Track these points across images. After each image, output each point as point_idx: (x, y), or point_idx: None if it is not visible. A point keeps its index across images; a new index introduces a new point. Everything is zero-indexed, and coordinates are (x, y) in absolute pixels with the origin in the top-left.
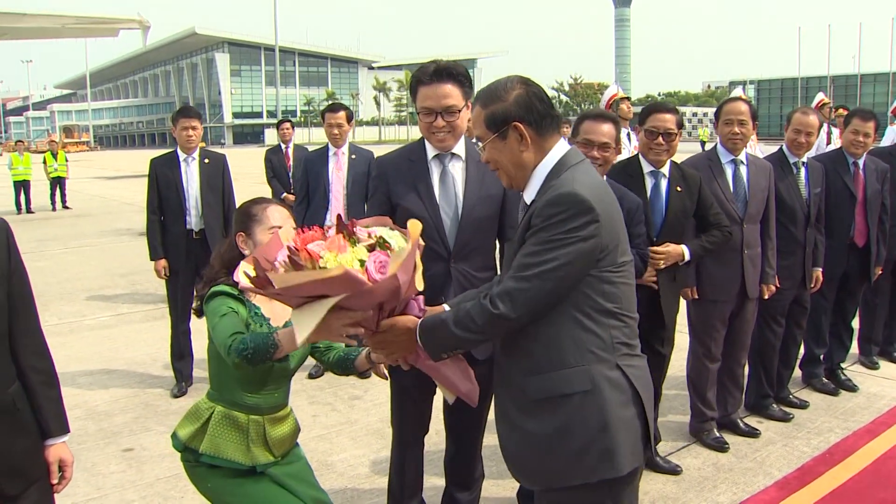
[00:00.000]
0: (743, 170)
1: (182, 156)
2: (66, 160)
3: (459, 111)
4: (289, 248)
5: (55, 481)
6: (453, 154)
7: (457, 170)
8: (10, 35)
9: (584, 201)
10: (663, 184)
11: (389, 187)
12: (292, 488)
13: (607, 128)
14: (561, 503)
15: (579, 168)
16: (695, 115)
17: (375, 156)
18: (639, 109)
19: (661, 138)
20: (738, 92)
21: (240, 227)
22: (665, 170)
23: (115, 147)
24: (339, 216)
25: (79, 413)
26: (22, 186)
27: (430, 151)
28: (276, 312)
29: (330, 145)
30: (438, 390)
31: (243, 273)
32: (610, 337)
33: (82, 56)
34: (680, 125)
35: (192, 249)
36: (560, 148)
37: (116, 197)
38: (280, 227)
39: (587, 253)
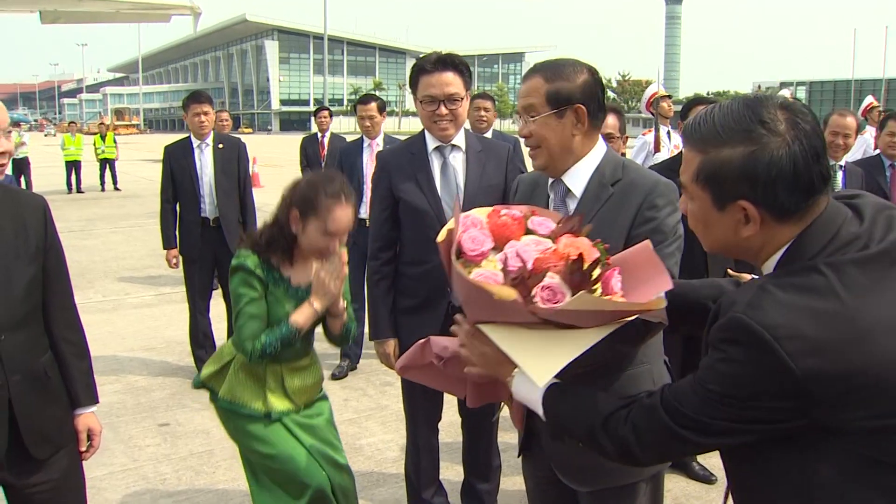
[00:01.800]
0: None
1: (195, 142)
2: (115, 142)
3: (461, 100)
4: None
5: (83, 449)
6: (453, 145)
7: (457, 161)
8: (67, 19)
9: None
10: None
11: (392, 181)
12: (301, 439)
13: (612, 119)
14: (607, 502)
15: (633, 163)
16: None
17: None
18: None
19: None
20: (785, 94)
21: (299, 204)
22: None
23: (163, 130)
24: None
25: (118, 387)
26: (73, 166)
27: (431, 143)
28: (295, 271)
29: (364, 137)
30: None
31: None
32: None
33: (135, 41)
34: (622, 130)
35: (207, 238)
36: (602, 144)
37: None
38: (335, 233)
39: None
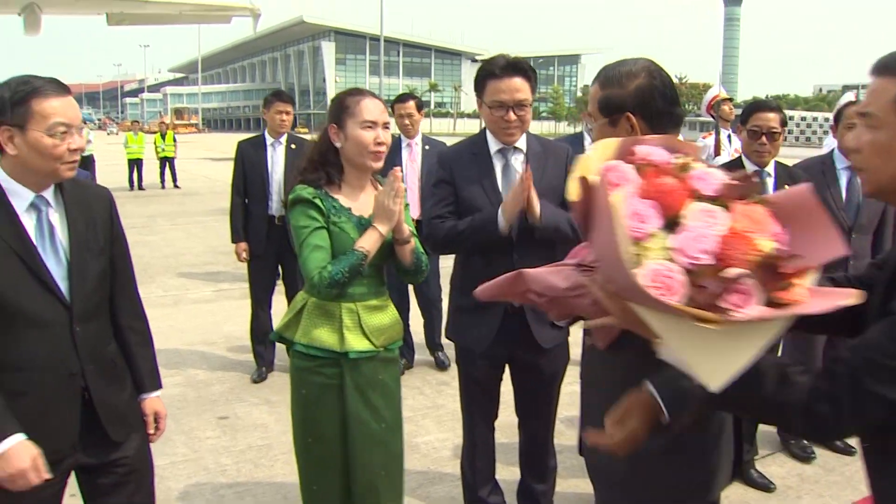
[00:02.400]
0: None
1: (269, 140)
2: (175, 141)
3: (529, 105)
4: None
5: (151, 431)
6: (515, 147)
7: (518, 163)
8: (132, 21)
9: None
10: (769, 183)
11: (455, 180)
12: (360, 411)
13: None
14: None
15: None
16: (803, 119)
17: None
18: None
19: (763, 137)
20: (849, 97)
21: (333, 118)
22: (770, 169)
23: (221, 130)
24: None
25: (179, 380)
26: (135, 164)
27: (493, 145)
28: (357, 201)
29: (402, 136)
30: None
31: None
32: None
33: (194, 42)
34: (783, 123)
35: (273, 235)
36: None
37: (221, 178)
38: (374, 122)
39: None
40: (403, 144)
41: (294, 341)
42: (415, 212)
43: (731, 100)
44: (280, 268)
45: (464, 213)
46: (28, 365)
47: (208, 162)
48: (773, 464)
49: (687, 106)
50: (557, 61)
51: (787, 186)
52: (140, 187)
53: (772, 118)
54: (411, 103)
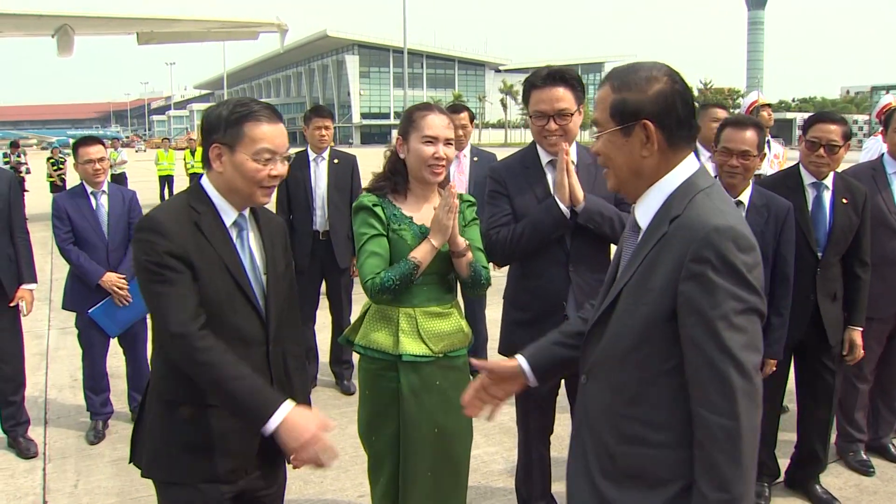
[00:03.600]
0: None
1: (312, 155)
2: None
3: (572, 115)
4: None
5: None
6: None
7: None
8: (161, 39)
9: (744, 236)
10: (826, 196)
11: (509, 193)
12: (413, 413)
13: (749, 135)
14: None
15: (714, 193)
16: None
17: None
18: (786, 116)
19: (822, 150)
20: (888, 99)
21: (400, 130)
22: (828, 181)
23: None
24: None
25: None
26: (166, 181)
27: (544, 157)
28: (420, 211)
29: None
30: (561, 391)
31: None
32: None
33: (220, 58)
34: (846, 137)
35: (317, 250)
36: (689, 165)
37: None
38: (434, 138)
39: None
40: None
41: (355, 343)
42: None
43: (769, 105)
44: (324, 283)
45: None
46: None
47: None
48: (829, 474)
49: None
50: (581, 69)
51: (844, 201)
52: None
53: (833, 130)
54: (464, 114)
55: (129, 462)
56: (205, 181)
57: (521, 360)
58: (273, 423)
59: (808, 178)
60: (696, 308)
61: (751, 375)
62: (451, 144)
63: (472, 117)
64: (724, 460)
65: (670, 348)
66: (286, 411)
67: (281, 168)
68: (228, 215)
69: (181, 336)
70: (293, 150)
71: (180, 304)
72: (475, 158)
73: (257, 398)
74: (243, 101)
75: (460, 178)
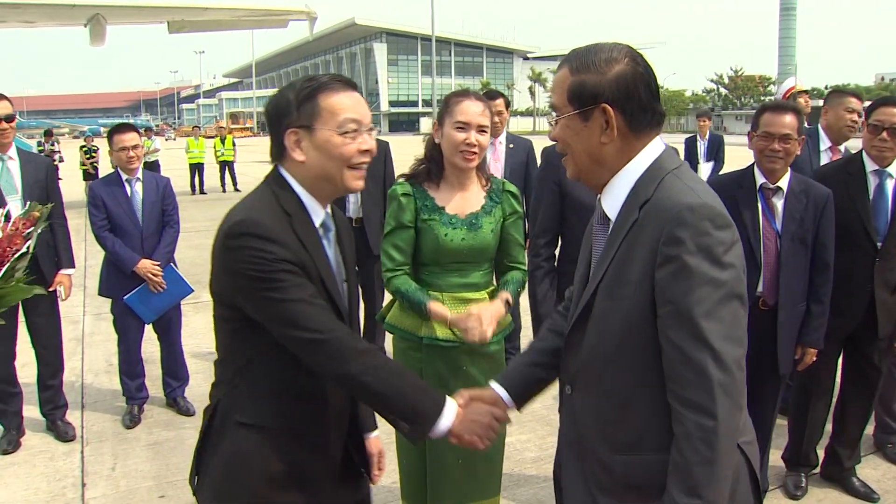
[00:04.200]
0: None
1: None
2: (234, 145)
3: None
4: None
5: (376, 472)
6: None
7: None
8: (192, 28)
9: (720, 214)
10: (889, 184)
11: (560, 177)
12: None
13: (789, 119)
14: None
15: (684, 173)
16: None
17: (534, 145)
18: (819, 103)
19: (885, 133)
20: None
21: (438, 115)
22: (892, 169)
23: None
24: None
25: None
26: (196, 169)
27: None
28: (453, 200)
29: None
30: None
31: None
32: None
33: (248, 46)
34: (799, 131)
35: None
36: (654, 148)
37: None
38: (466, 124)
39: (743, 280)
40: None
41: (385, 321)
42: None
43: (807, 92)
44: (358, 270)
45: (570, 211)
46: (320, 395)
47: (266, 165)
48: (867, 466)
49: (743, 99)
50: None
51: None
52: (202, 191)
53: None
54: (500, 101)
55: (189, 483)
56: (286, 174)
57: (496, 386)
58: (446, 419)
59: (870, 165)
60: (670, 295)
61: (730, 369)
62: (486, 132)
63: (507, 104)
64: (697, 461)
65: (657, 344)
66: (453, 405)
67: (370, 141)
68: (317, 215)
69: (328, 342)
70: None
71: (315, 306)
72: (511, 145)
73: (425, 396)
74: (310, 77)
75: (496, 165)
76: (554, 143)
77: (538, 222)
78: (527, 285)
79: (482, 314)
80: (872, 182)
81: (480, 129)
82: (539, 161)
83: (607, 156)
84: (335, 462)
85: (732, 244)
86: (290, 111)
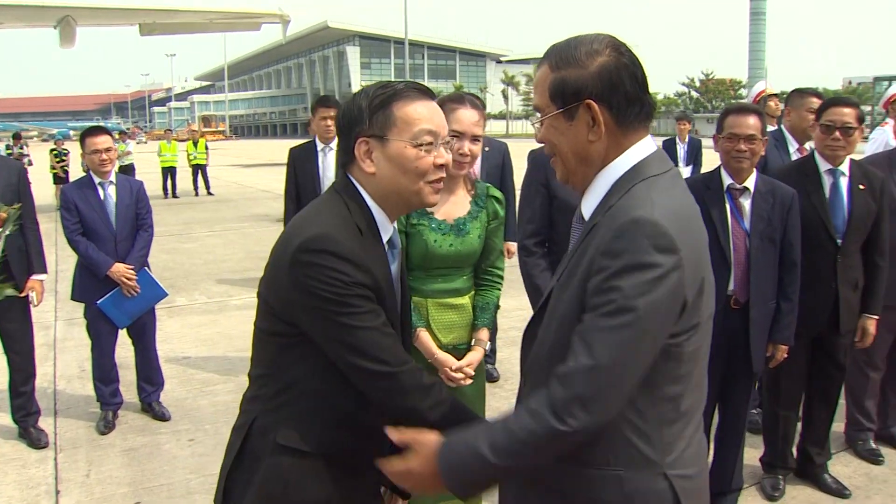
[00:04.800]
0: None
1: (320, 145)
2: (207, 148)
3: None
4: None
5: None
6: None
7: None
8: (164, 30)
9: (664, 235)
10: (843, 182)
11: (548, 179)
12: None
13: (752, 120)
14: None
15: (660, 182)
16: None
17: (509, 147)
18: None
19: (838, 133)
20: (895, 89)
21: None
22: (844, 167)
23: (248, 136)
24: None
25: (231, 387)
26: (169, 172)
27: None
28: (444, 206)
29: None
30: None
31: None
32: (662, 433)
33: (220, 49)
34: (860, 120)
35: None
36: (643, 147)
37: (253, 184)
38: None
39: (668, 314)
40: None
41: None
42: None
43: (777, 95)
44: None
45: (559, 213)
46: (367, 422)
47: (238, 168)
48: (838, 463)
49: (714, 102)
50: None
51: (861, 187)
52: (174, 195)
53: (847, 113)
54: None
55: None
56: (358, 185)
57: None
58: None
59: (823, 165)
60: (587, 306)
61: (598, 387)
62: (479, 141)
63: (483, 107)
64: (521, 434)
65: None
66: None
67: (446, 155)
68: (386, 231)
69: (398, 375)
70: (297, 142)
71: (387, 337)
72: (487, 148)
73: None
74: (386, 83)
75: (473, 168)
76: (542, 144)
77: (528, 224)
78: (526, 281)
79: (464, 370)
80: (827, 181)
81: (474, 139)
82: (516, 164)
83: (595, 154)
84: (378, 487)
85: (668, 271)
86: (361, 119)
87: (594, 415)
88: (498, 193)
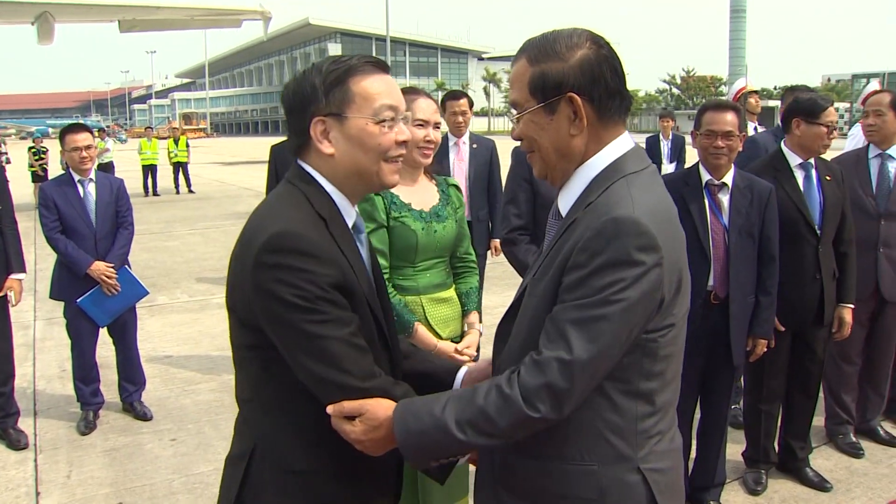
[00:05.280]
0: (892, 165)
1: None
2: (188, 146)
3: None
4: None
5: None
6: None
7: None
8: (144, 27)
9: (646, 233)
10: (814, 174)
11: (531, 175)
12: None
13: (730, 116)
14: None
15: (639, 180)
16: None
17: (497, 144)
18: (768, 103)
19: (719, 140)
20: (874, 85)
21: None
22: (813, 160)
23: (229, 134)
24: None
25: (214, 385)
26: (150, 170)
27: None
28: (416, 197)
29: (450, 134)
30: None
31: None
32: (636, 428)
33: (201, 47)
34: (740, 128)
35: None
36: (622, 144)
37: (234, 182)
38: (425, 122)
39: (645, 311)
40: (451, 143)
41: None
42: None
43: (757, 92)
44: None
45: (542, 208)
46: None
47: (219, 166)
48: (819, 457)
49: (695, 99)
50: None
51: (828, 178)
52: (155, 193)
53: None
54: (464, 101)
55: None
56: (312, 171)
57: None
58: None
59: (793, 160)
60: (560, 300)
61: (574, 376)
62: (438, 128)
63: (471, 104)
64: (493, 409)
65: None
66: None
67: (407, 132)
68: (350, 216)
69: (368, 391)
70: (279, 139)
71: (356, 349)
72: (475, 145)
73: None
74: (338, 58)
75: (460, 166)
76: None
77: (514, 219)
78: (516, 266)
79: (466, 352)
80: (799, 175)
81: (436, 126)
82: (505, 160)
83: (576, 149)
84: (386, 489)
85: (649, 269)
86: (316, 97)
87: (563, 404)
88: (455, 181)
